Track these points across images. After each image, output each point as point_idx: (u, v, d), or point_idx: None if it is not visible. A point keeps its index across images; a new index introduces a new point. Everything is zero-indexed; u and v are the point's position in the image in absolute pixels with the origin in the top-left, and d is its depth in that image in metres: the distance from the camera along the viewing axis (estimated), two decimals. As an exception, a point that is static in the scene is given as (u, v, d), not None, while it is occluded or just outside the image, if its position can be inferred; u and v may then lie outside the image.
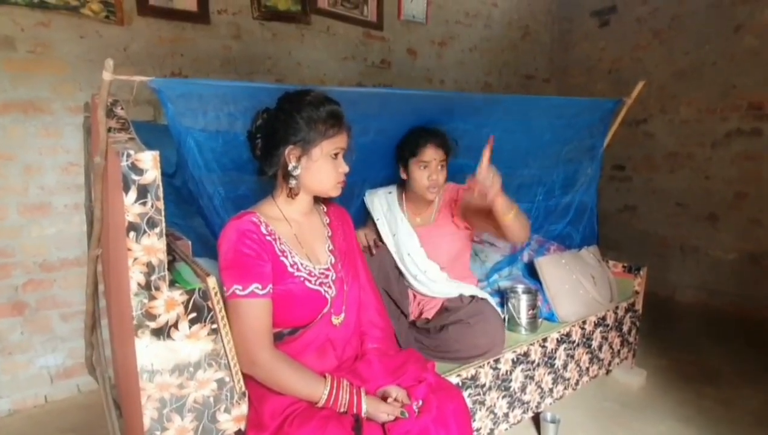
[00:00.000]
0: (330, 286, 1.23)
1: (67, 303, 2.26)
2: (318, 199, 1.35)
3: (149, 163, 0.92)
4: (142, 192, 0.93)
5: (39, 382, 2.24)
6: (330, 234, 1.33)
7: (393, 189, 1.94)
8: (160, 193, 0.94)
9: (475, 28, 3.68)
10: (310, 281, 1.19)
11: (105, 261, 1.53)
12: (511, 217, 1.59)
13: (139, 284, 0.95)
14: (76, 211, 2.22)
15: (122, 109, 1.33)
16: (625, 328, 2.38)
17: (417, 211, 1.90)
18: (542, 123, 2.07)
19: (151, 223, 0.94)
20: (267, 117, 1.21)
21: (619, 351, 2.38)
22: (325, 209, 1.38)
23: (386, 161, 1.86)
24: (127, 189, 0.91)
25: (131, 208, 0.92)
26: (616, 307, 2.27)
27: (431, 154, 1.74)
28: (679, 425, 2.07)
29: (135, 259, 0.94)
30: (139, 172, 0.92)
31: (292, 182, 1.19)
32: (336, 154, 1.22)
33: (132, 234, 0.93)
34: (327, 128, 1.18)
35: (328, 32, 2.93)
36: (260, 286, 1.09)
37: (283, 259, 1.16)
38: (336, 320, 1.24)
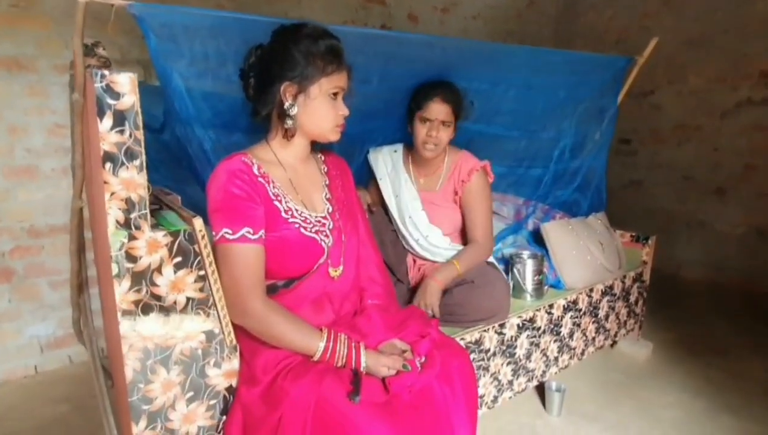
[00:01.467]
0: (327, 235, 1.15)
1: (57, 270, 2.19)
2: (315, 149, 1.27)
3: (126, 86, 0.83)
4: (119, 119, 0.84)
5: (29, 351, 2.18)
6: (327, 182, 1.24)
7: (399, 147, 1.84)
8: (140, 122, 0.86)
9: (479, -6, 3.56)
10: (305, 228, 1.11)
11: (92, 216, 1.45)
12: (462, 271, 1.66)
13: (117, 222, 0.87)
14: (64, 175, 2.14)
15: (104, 49, 1.25)
16: (632, 299, 2.31)
17: (423, 174, 1.80)
18: (556, 80, 1.98)
19: (130, 154, 0.86)
20: (261, 53, 1.12)
21: (625, 322, 2.32)
22: (323, 158, 1.30)
23: (389, 114, 1.76)
24: (102, 114, 0.82)
25: (107, 135, 0.83)
26: (624, 276, 2.21)
27: (435, 110, 1.62)
28: (687, 396, 2.02)
29: (112, 193, 0.86)
30: (115, 95, 0.83)
31: (288, 122, 1.10)
32: (335, 94, 1.13)
33: (108, 165, 0.84)
34: (326, 64, 1.09)
35: (326, -6, 2.82)
36: (251, 231, 1.01)
37: (276, 203, 1.08)
38: (334, 272, 1.16)
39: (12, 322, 2.12)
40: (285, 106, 1.09)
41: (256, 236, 1.02)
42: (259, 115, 1.13)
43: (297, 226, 1.10)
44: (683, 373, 2.20)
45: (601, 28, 3.94)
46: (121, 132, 0.84)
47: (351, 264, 1.21)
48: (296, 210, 1.11)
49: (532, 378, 1.86)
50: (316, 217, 1.15)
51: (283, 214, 1.09)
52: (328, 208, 1.19)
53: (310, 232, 1.12)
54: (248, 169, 1.06)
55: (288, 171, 1.15)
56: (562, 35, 4.17)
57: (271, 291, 1.11)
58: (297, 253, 1.10)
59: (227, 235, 1.00)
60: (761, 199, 3.20)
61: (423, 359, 1.09)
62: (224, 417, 1.08)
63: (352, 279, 1.21)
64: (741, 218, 3.31)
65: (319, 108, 1.11)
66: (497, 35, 3.72)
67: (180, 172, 1.63)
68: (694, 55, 3.41)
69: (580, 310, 2.00)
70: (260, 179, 1.07)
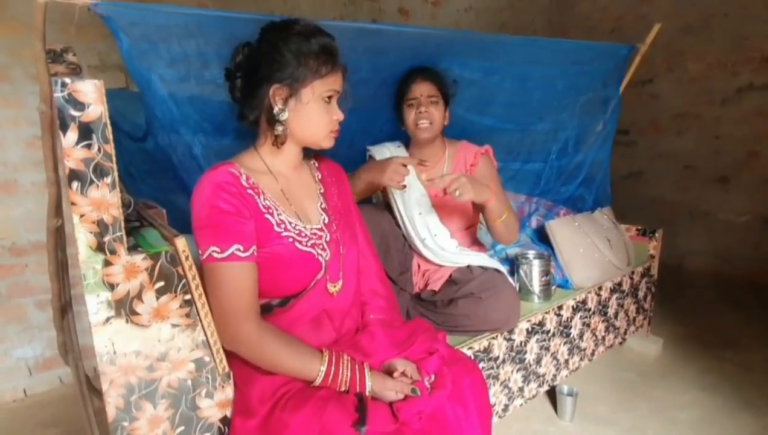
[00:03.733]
0: (324, 248, 1.06)
1: (43, 289, 2.09)
2: (308, 154, 1.18)
3: (92, 94, 0.74)
4: (85, 132, 0.75)
5: (17, 374, 2.09)
6: (322, 190, 1.16)
7: (400, 143, 1.78)
8: (110, 135, 0.77)
9: (470, -14, 3.47)
10: (300, 242, 1.02)
11: (68, 235, 1.36)
12: (501, 221, 1.54)
13: (89, 247, 0.78)
14: (45, 190, 2.03)
15: (74, 55, 1.15)
16: (640, 295, 2.24)
17: (423, 169, 1.73)
18: (555, 70, 1.90)
19: (100, 172, 0.77)
20: (249, 52, 1.03)
21: (634, 319, 2.25)
22: (317, 164, 1.21)
23: (381, 108, 1.69)
24: (65, 127, 0.73)
25: (72, 151, 0.74)
26: (632, 272, 2.14)
27: (418, 89, 1.59)
28: (702, 394, 1.94)
29: (82, 215, 0.77)
30: (80, 106, 0.74)
31: (278, 129, 1.01)
32: (329, 98, 1.04)
33: (75, 184, 0.75)
34: (320, 65, 1.00)
35: (313, -10, 2.72)
36: (242, 248, 0.92)
37: (267, 216, 0.99)
38: (332, 288, 1.07)
39: (-3, 344, 2.03)
40: (274, 111, 1.00)
41: (247, 254, 0.93)
42: (246, 120, 1.04)
43: (291, 240, 1.01)
44: (696, 369, 2.14)
45: (596, 17, 3.86)
46: (89, 146, 0.75)
47: (351, 278, 1.12)
48: (289, 222, 1.03)
49: (543, 383, 1.78)
50: (311, 229, 1.06)
51: (276, 227, 1.00)
52: (324, 219, 1.11)
53: (306, 245, 1.03)
54: (236, 180, 0.97)
55: (279, 181, 1.06)
56: (555, 25, 4.08)
57: (266, 311, 1.02)
58: (292, 269, 1.01)
59: (215, 254, 0.91)
60: (765, 185, 3.13)
61: (432, 378, 1.01)
62: (219, 450, 0.99)
63: (353, 294, 1.13)
64: (745, 206, 3.24)
65: (311, 113, 1.02)
66: (490, 27, 3.64)
67: (168, 183, 1.55)
68: (693, 40, 3.33)
69: (590, 309, 1.92)
70: (249, 191, 0.98)
